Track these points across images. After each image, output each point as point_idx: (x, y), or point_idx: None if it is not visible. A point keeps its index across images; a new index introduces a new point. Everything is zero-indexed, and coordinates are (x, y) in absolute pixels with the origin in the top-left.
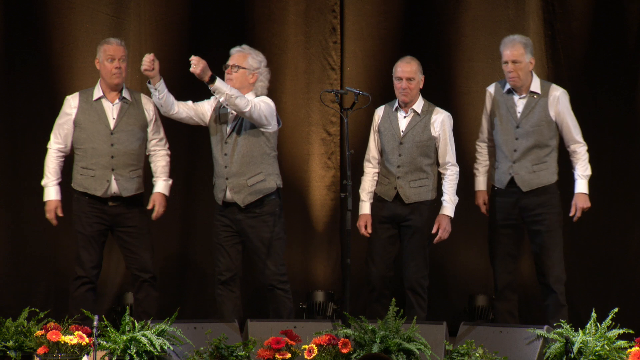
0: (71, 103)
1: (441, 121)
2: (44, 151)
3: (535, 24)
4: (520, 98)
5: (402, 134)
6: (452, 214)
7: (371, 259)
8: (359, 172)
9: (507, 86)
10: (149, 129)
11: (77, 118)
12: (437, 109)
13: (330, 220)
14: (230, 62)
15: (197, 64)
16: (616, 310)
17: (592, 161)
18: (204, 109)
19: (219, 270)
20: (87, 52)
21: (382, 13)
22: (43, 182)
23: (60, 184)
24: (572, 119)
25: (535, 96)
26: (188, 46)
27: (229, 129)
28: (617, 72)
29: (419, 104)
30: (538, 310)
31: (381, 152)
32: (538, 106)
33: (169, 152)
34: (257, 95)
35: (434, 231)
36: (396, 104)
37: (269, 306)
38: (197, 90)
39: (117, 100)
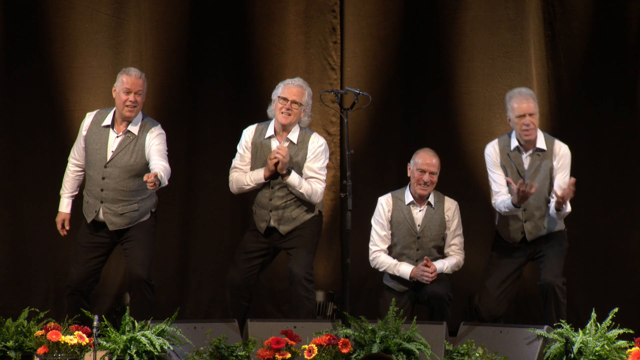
0: (86, 121)
1: (454, 211)
2: (43, 151)
3: (535, 24)
4: (526, 156)
5: (418, 228)
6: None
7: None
8: (359, 172)
9: (515, 143)
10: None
11: (86, 139)
12: (447, 198)
13: (330, 220)
14: (290, 97)
15: (285, 157)
16: (616, 310)
17: (591, 161)
18: (248, 162)
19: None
20: (87, 52)
21: (382, 13)
22: (60, 192)
23: (74, 196)
24: (567, 174)
25: (539, 154)
26: (188, 46)
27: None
28: (617, 72)
29: (431, 196)
30: (538, 310)
31: (391, 241)
32: (543, 164)
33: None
34: (300, 127)
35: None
36: (410, 198)
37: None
38: (196, 92)
39: (121, 133)
